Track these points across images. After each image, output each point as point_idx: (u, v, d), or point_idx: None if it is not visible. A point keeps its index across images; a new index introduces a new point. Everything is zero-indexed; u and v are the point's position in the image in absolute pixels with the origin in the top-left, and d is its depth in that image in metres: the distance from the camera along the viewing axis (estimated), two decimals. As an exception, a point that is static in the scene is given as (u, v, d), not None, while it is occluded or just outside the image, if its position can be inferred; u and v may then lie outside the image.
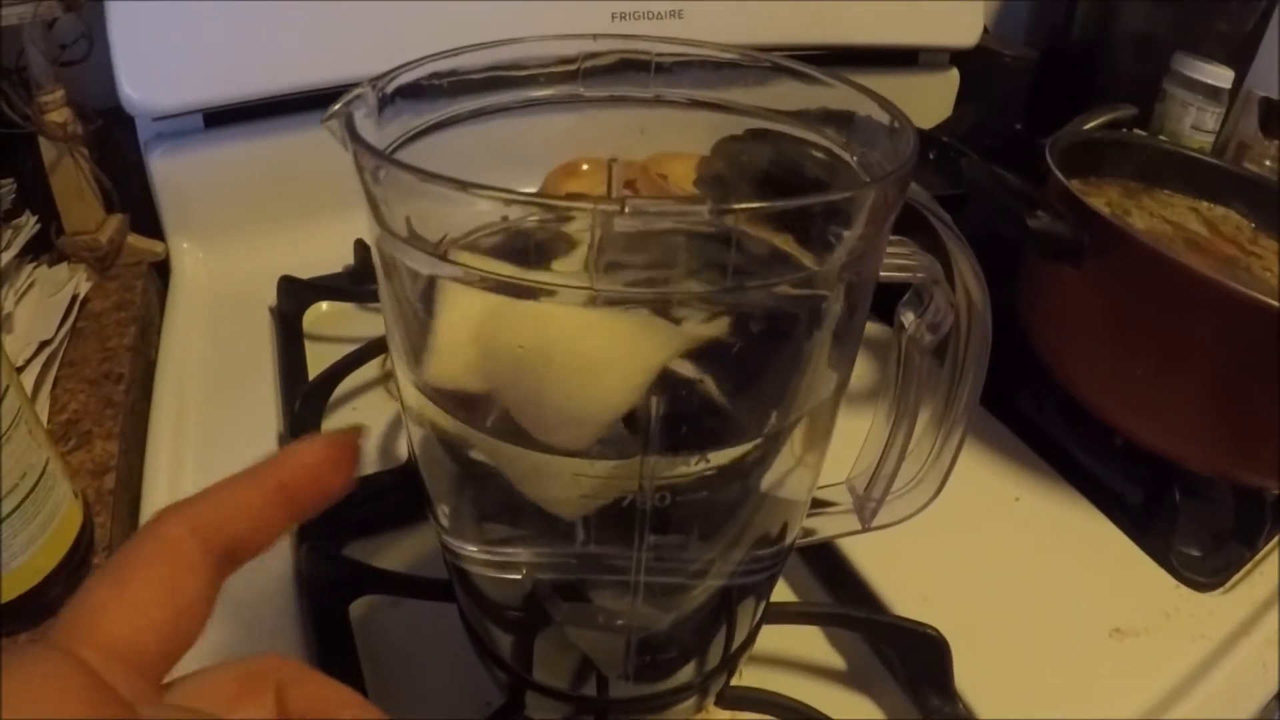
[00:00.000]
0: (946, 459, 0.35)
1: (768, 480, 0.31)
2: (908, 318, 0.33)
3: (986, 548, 0.55)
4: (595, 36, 0.35)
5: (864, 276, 0.28)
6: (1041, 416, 0.67)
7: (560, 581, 0.32)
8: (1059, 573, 0.55)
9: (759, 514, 0.32)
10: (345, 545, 0.51)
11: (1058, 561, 0.55)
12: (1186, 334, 0.53)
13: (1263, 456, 0.56)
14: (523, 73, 0.35)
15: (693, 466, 0.27)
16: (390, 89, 0.30)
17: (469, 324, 0.27)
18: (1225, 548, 0.59)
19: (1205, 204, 0.72)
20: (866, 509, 0.37)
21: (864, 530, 0.38)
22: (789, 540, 0.35)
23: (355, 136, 0.26)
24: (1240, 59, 1.02)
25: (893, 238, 0.29)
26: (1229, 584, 0.56)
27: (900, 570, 0.51)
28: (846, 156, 0.32)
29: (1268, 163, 1.02)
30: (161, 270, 0.77)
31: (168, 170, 0.73)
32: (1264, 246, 0.69)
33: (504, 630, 0.36)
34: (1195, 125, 1.00)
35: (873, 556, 0.51)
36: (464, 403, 0.29)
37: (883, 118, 0.30)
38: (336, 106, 0.27)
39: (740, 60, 0.36)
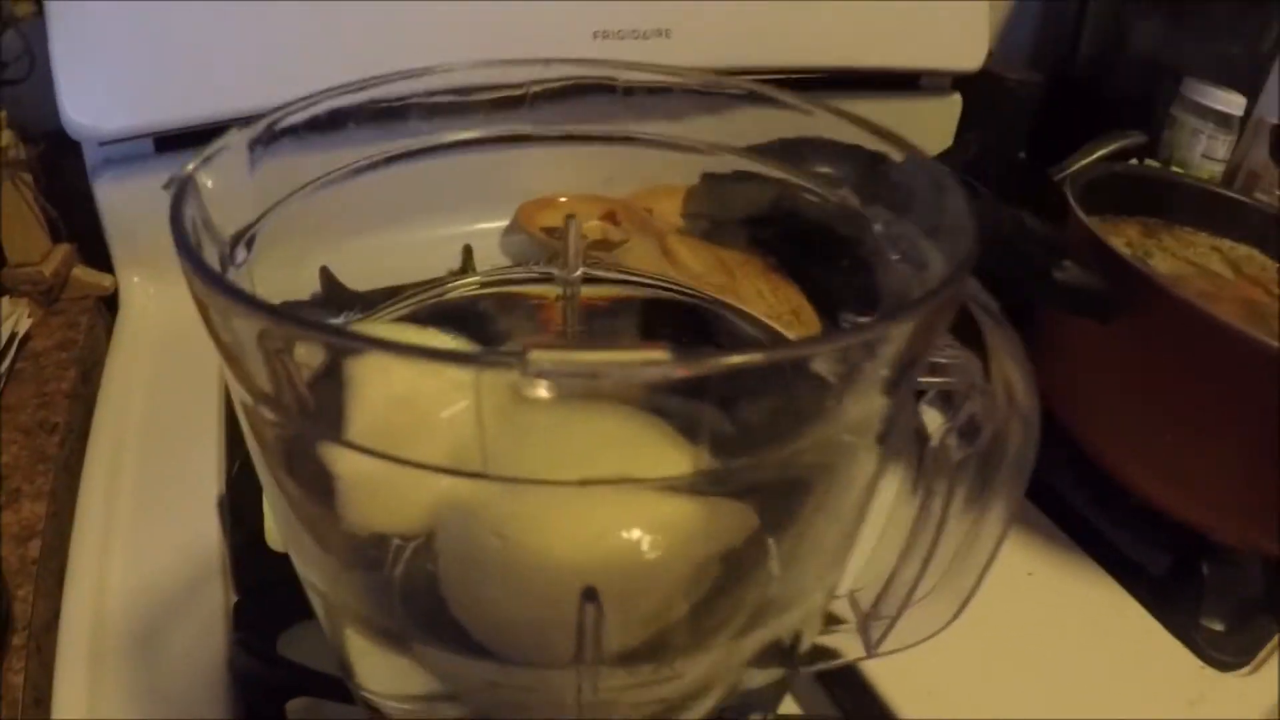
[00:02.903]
0: (970, 579, 0.30)
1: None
2: (933, 422, 0.27)
3: (997, 631, 0.50)
4: (548, 61, 0.30)
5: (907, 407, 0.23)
6: (1056, 480, 0.62)
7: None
8: (1076, 659, 0.50)
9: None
10: (288, 628, 0.45)
11: (1075, 645, 0.51)
12: (1221, 397, 0.49)
13: (1299, 529, 0.51)
14: (464, 99, 0.30)
15: (649, 680, 0.22)
16: (278, 128, 0.25)
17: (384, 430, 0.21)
18: (1251, 622, 0.55)
19: (1227, 243, 0.68)
20: (872, 629, 0.32)
21: (869, 657, 0.33)
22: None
23: (185, 247, 0.20)
24: (1251, 85, 0.98)
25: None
26: (1254, 663, 0.52)
27: (902, 661, 0.46)
28: (857, 204, 0.28)
29: (1278, 192, 0.98)
30: (111, 305, 0.72)
31: (116, 197, 0.68)
32: (1290, 290, 0.64)
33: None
34: (1205, 154, 0.97)
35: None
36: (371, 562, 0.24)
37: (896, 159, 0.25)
38: (171, 175, 0.22)
39: (715, 86, 0.32)
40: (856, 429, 0.22)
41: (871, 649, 0.33)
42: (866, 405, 0.21)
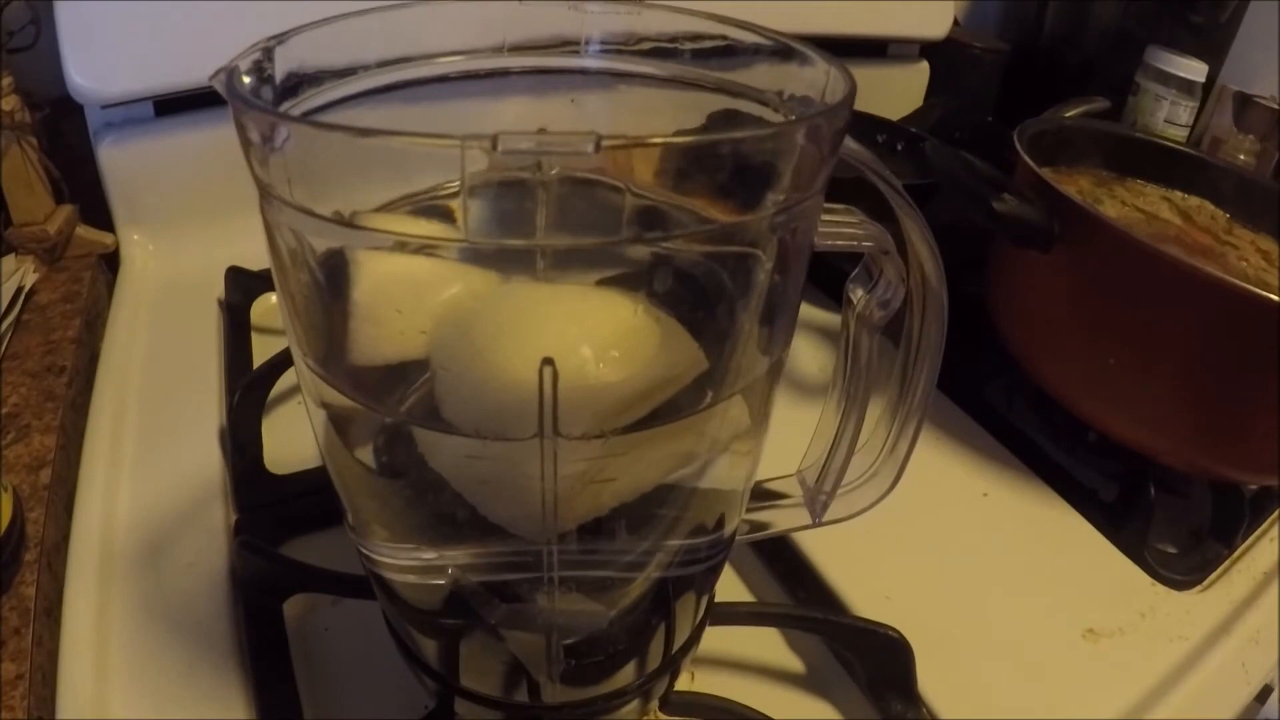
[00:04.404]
0: (902, 450, 0.33)
1: (695, 469, 0.29)
2: (856, 294, 0.31)
3: (953, 545, 0.54)
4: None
5: (797, 239, 0.26)
6: (1011, 410, 0.65)
7: (484, 582, 0.30)
8: (1029, 571, 0.53)
9: (690, 504, 0.30)
10: (284, 543, 0.48)
11: (1028, 559, 0.54)
12: (1160, 322, 0.52)
13: (1239, 450, 0.54)
14: (438, 40, 0.33)
15: (601, 450, 0.25)
16: (282, 60, 0.28)
17: (387, 293, 0.25)
18: (1202, 545, 0.58)
19: (1179, 194, 0.71)
20: (817, 502, 0.35)
21: (814, 525, 0.36)
22: (727, 532, 0.33)
23: (238, 94, 0.24)
24: (1214, 53, 1.01)
25: (839, 206, 0.27)
26: (1206, 582, 0.55)
27: (862, 568, 0.49)
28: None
29: (1241, 157, 1.01)
30: (111, 262, 0.74)
31: (117, 160, 0.71)
32: (1238, 237, 0.67)
33: (426, 635, 0.34)
34: (1169, 119, 0.99)
35: (833, 553, 0.50)
36: (367, 385, 0.27)
37: (819, 73, 0.28)
38: (223, 64, 0.25)
39: (681, 28, 0.34)
40: (754, 242, 0.25)
41: (816, 518, 0.36)
42: (760, 223, 0.25)
